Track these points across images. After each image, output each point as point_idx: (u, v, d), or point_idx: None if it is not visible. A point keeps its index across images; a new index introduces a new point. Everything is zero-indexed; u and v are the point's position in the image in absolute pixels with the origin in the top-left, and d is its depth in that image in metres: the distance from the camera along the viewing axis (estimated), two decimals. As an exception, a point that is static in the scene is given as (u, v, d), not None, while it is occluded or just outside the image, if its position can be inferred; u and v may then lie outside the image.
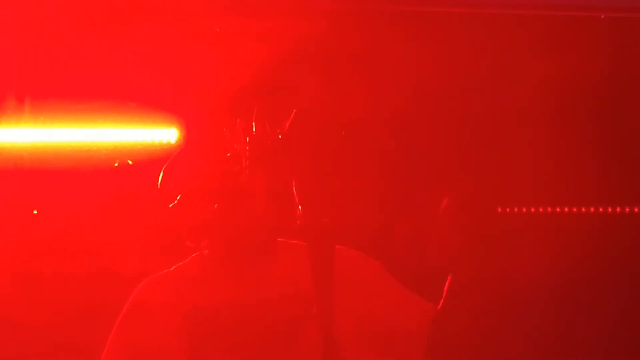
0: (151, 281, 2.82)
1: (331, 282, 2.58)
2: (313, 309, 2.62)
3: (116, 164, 4.52)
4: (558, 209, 4.97)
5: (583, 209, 4.97)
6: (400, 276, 4.60)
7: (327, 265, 2.56)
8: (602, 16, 3.70)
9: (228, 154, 2.75)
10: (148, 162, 4.53)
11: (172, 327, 2.71)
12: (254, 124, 2.69)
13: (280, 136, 2.68)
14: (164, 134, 4.57)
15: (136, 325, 2.74)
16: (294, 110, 2.69)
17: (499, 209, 4.95)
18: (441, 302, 2.85)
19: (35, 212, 4.60)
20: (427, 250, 4.33)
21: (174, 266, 2.84)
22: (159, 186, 2.84)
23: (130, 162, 4.54)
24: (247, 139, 2.70)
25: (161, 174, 2.86)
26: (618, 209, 4.96)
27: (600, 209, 4.96)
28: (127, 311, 2.79)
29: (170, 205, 2.80)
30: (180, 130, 4.54)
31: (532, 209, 4.98)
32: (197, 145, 2.90)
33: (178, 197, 2.80)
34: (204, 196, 2.76)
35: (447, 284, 2.87)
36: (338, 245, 2.66)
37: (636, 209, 4.96)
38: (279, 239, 2.79)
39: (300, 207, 2.52)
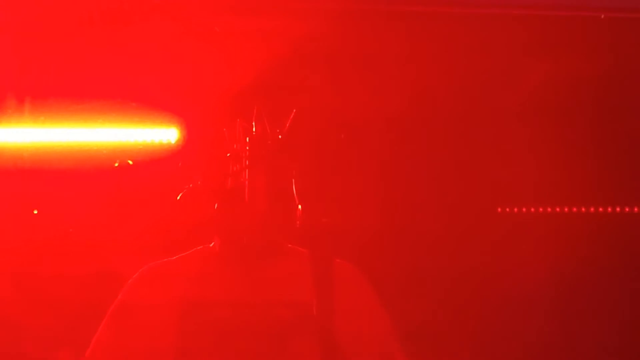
0: (151, 268, 2.83)
1: (327, 292, 2.58)
2: (311, 316, 2.62)
3: (116, 164, 4.52)
4: (558, 209, 4.97)
5: (583, 209, 4.97)
6: (399, 276, 4.62)
7: (325, 276, 2.56)
8: (602, 16, 3.70)
9: (228, 154, 2.75)
10: (148, 162, 4.53)
11: (166, 317, 2.71)
12: (254, 124, 2.70)
13: (280, 136, 2.68)
14: (164, 134, 4.57)
15: (131, 311, 2.75)
16: (294, 110, 2.69)
17: (499, 209, 4.95)
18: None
19: (35, 212, 4.60)
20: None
21: (176, 256, 2.85)
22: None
23: (130, 162, 4.54)
24: (247, 139, 2.70)
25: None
26: (618, 209, 4.96)
27: (600, 209, 4.96)
28: (124, 296, 2.80)
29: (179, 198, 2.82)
30: (180, 130, 4.54)
31: (532, 209, 4.98)
32: (199, 145, 2.91)
33: (179, 195, 2.82)
34: (207, 194, 2.77)
35: None
36: (338, 259, 2.66)
37: (636, 209, 4.96)
38: (288, 245, 2.79)
39: (300, 207, 2.52)
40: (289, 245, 2.79)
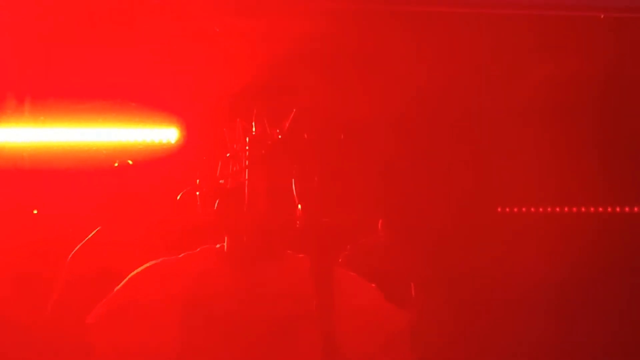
0: (156, 264, 2.83)
1: (328, 296, 2.57)
2: (312, 315, 2.62)
3: (116, 164, 4.52)
4: (558, 209, 4.97)
5: (583, 209, 4.97)
6: (398, 275, 4.61)
7: (326, 281, 2.57)
8: (602, 16, 3.70)
9: (228, 154, 2.75)
10: (148, 162, 4.52)
11: (169, 313, 2.71)
12: (254, 124, 2.70)
13: (280, 136, 2.68)
14: (164, 134, 4.58)
15: (134, 304, 2.75)
16: (294, 110, 2.70)
17: (499, 209, 4.95)
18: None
19: (35, 212, 4.60)
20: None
21: (183, 254, 2.86)
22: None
23: (130, 162, 4.54)
24: (247, 139, 2.70)
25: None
26: (618, 209, 4.96)
27: (600, 209, 4.96)
28: (127, 288, 2.80)
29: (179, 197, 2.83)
30: (181, 130, 4.54)
31: (532, 209, 4.98)
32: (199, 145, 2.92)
33: (179, 195, 2.83)
34: (208, 194, 2.78)
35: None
36: (338, 267, 2.66)
37: (636, 209, 4.96)
38: (287, 251, 2.80)
39: (300, 207, 2.52)
40: (289, 252, 2.80)
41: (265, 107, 2.71)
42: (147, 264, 2.85)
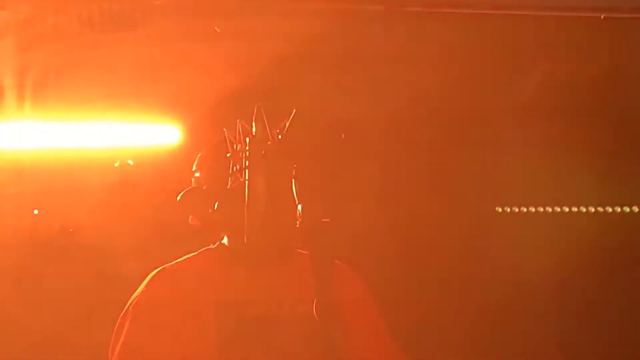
0: (164, 270, 2.82)
1: (327, 292, 2.56)
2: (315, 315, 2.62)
3: (116, 164, 4.52)
4: (558, 209, 4.98)
5: (583, 209, 4.97)
6: (398, 276, 4.61)
7: (325, 276, 2.56)
8: (602, 16, 3.70)
9: (228, 154, 2.75)
10: (148, 162, 4.53)
11: (187, 317, 2.71)
12: (254, 124, 2.70)
13: (280, 136, 2.69)
14: (164, 134, 4.58)
15: (148, 316, 2.74)
16: (294, 111, 2.70)
17: (499, 209, 4.95)
18: None
19: (35, 212, 4.61)
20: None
21: (183, 257, 2.85)
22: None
23: (130, 162, 4.54)
24: (247, 139, 2.70)
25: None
26: (618, 209, 4.96)
27: (600, 209, 4.97)
28: (142, 298, 2.78)
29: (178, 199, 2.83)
30: (181, 131, 4.55)
31: (532, 209, 4.98)
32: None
33: (179, 196, 2.83)
34: (208, 194, 2.78)
35: None
36: (336, 261, 2.65)
37: (636, 209, 4.96)
38: (294, 248, 2.79)
39: (299, 207, 2.52)
40: (299, 251, 2.80)
41: (265, 107, 2.71)
42: (155, 273, 2.83)
